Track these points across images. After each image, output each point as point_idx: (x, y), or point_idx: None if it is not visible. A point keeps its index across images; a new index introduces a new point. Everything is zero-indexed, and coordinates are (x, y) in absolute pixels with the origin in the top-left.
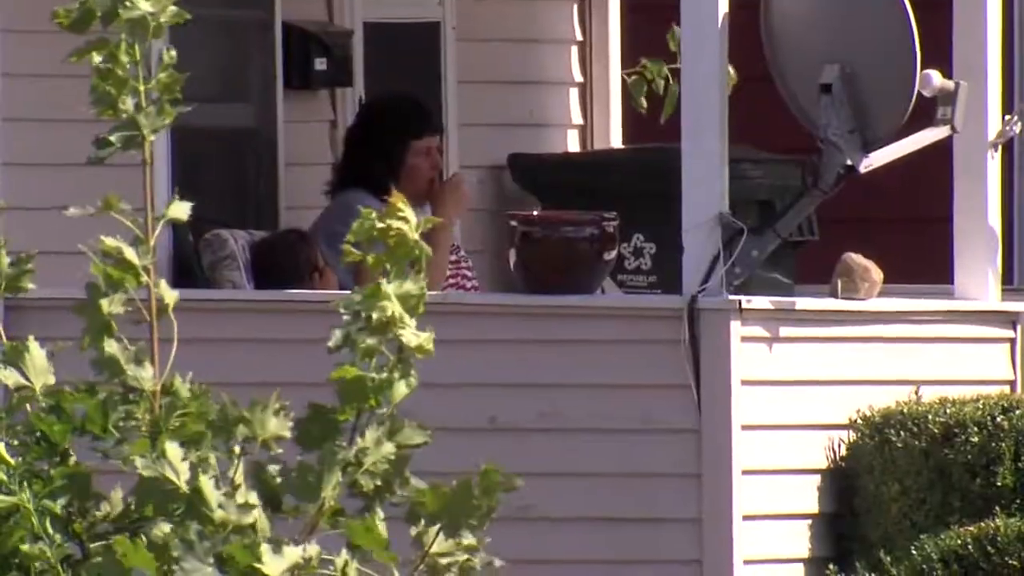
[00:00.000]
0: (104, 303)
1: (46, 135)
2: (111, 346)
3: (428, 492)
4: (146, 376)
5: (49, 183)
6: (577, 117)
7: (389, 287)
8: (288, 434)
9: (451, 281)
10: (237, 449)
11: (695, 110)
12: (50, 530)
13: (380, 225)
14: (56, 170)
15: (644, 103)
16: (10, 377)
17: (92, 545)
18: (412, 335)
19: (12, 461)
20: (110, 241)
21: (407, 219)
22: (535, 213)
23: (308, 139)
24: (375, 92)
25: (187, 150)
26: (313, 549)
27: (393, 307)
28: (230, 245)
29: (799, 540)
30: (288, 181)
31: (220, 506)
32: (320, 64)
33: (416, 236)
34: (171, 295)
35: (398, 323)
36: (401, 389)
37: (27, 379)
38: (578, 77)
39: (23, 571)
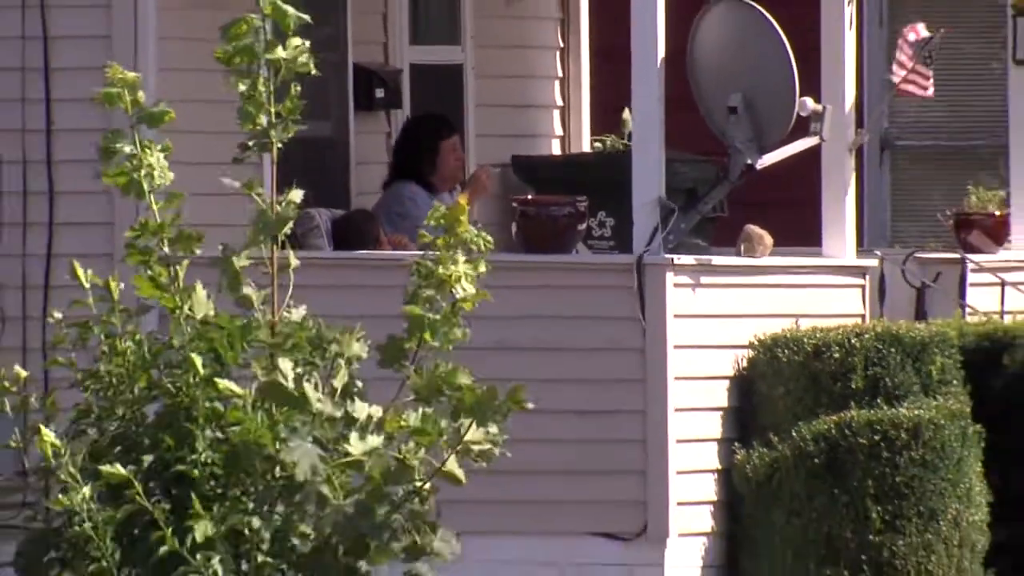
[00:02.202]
0: (235, 259)
1: (188, 142)
2: (249, 289)
3: (466, 391)
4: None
5: (192, 177)
6: (559, 130)
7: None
8: (366, 355)
9: None
10: (340, 363)
11: (641, 126)
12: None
13: (461, 231)
14: (196, 168)
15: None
16: (188, 311)
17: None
18: (461, 290)
19: (234, 389)
20: (267, 208)
21: (466, 215)
22: (530, 197)
23: (371, 145)
24: (415, 113)
25: (287, 152)
26: (378, 439)
27: (458, 270)
28: (316, 220)
29: (714, 425)
30: (357, 175)
31: (318, 401)
32: (379, 93)
33: (469, 225)
34: (295, 260)
35: (456, 282)
36: (457, 334)
37: (192, 311)
38: (559, 102)
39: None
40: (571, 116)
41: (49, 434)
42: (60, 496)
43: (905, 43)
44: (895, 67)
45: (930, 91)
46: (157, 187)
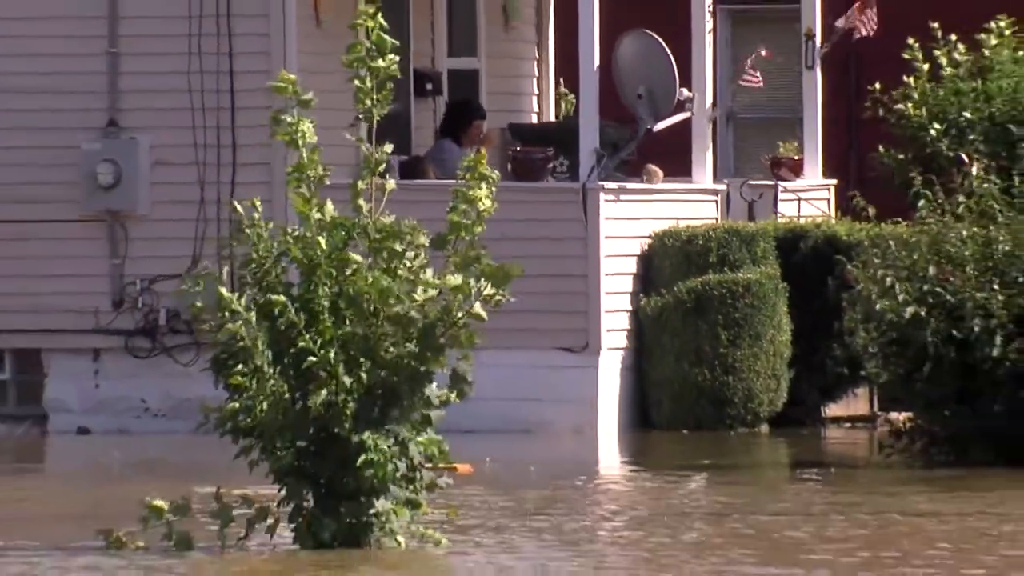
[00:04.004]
0: (359, 183)
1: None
2: (363, 203)
3: (485, 263)
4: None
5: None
6: (535, 107)
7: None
8: (427, 243)
9: None
10: (411, 253)
11: (585, 104)
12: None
13: (481, 170)
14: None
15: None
16: (316, 215)
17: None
18: (482, 204)
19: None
20: (369, 154)
21: (485, 160)
22: (518, 148)
23: (424, 118)
24: (453, 99)
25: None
26: (431, 292)
27: (480, 193)
28: (392, 163)
29: (628, 284)
30: (416, 136)
31: (400, 269)
32: (428, 86)
33: (487, 168)
34: (391, 185)
35: (479, 200)
36: (477, 230)
37: (323, 215)
38: (536, 91)
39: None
40: (543, 100)
41: (223, 290)
42: (230, 325)
43: (750, 64)
44: (746, 76)
45: (759, 84)
46: (306, 143)
